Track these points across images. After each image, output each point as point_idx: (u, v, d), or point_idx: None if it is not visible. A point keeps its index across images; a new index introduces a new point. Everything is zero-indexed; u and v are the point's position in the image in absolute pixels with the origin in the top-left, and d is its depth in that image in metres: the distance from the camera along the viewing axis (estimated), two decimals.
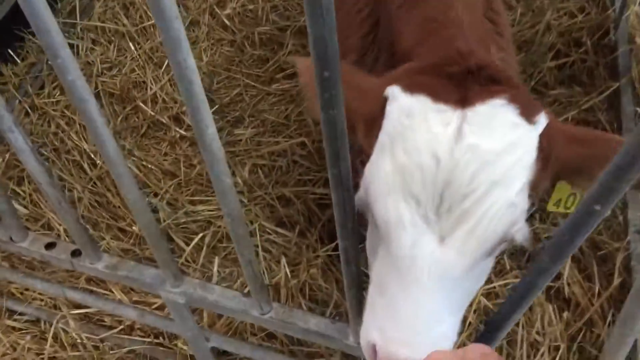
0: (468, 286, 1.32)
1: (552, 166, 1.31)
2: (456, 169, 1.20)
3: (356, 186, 1.30)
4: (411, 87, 1.30)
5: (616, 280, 2.26)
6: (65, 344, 2.47)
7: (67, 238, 2.67)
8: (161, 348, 2.38)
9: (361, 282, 1.48)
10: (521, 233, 1.27)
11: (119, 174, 1.46)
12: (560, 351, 2.19)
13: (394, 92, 1.32)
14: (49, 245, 1.94)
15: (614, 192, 0.90)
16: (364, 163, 1.38)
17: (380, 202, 1.27)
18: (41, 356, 2.48)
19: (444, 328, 1.28)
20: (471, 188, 1.19)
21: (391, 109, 1.31)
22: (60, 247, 1.93)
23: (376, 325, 1.31)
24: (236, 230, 1.48)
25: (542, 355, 2.20)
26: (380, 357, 1.27)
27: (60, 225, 2.72)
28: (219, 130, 3.35)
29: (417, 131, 1.24)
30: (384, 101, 1.33)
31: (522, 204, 1.26)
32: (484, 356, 1.01)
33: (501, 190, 1.21)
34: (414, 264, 1.23)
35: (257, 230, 2.81)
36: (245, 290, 1.79)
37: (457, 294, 1.29)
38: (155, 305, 2.41)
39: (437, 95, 1.27)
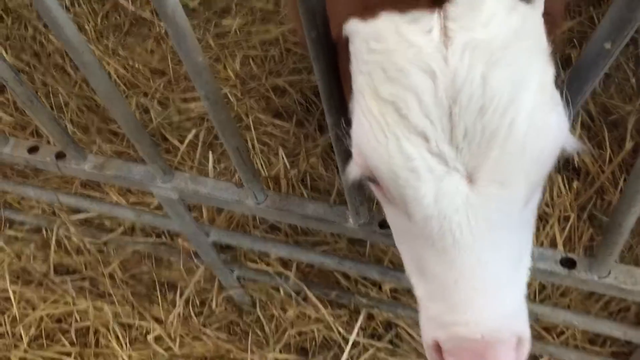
0: (524, 225, 1.04)
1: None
2: (458, 78, 0.90)
3: None
4: (368, 12, 0.99)
5: (628, 145, 2.16)
6: (70, 250, 2.46)
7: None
8: (164, 246, 2.35)
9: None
10: (570, 139, 0.98)
11: (84, 62, 1.34)
12: (570, 221, 2.13)
13: (352, 27, 1.01)
14: (32, 150, 1.86)
15: (626, 25, 0.78)
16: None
17: (380, 159, 0.98)
18: (47, 263, 2.48)
19: (515, 293, 1.04)
20: (486, 96, 0.90)
21: (356, 45, 1.01)
22: (44, 150, 1.85)
23: (430, 318, 1.07)
24: (217, 116, 1.38)
25: (551, 227, 2.15)
26: (447, 350, 1.04)
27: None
28: (205, 22, 3.18)
29: (396, 52, 0.94)
30: (345, 43, 1.04)
31: (554, 98, 0.96)
32: None
33: (524, 88, 0.91)
34: (445, 222, 0.97)
35: (252, 123, 2.71)
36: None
37: (513, 241, 1.02)
38: (154, 205, 2.36)
39: (401, 5, 0.96)
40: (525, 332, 1.04)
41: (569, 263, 1.45)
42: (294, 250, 1.94)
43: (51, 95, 2.82)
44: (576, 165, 2.27)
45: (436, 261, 1.01)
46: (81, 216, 2.40)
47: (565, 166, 2.30)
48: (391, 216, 1.17)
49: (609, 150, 2.24)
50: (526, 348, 1.05)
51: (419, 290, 1.11)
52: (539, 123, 0.92)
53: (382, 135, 0.96)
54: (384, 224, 1.58)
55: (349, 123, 1.05)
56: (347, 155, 1.33)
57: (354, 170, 1.09)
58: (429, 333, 1.08)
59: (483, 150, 0.91)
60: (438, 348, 1.06)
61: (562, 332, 2.08)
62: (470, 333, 0.99)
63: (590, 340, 2.05)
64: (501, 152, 0.90)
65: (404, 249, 1.17)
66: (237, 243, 2.02)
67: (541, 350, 1.98)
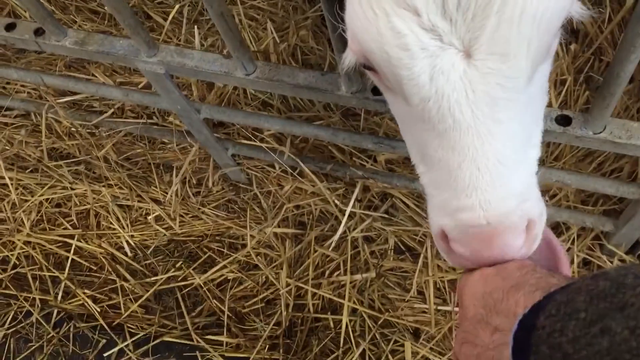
0: (530, 101, 0.97)
1: None
2: None
3: None
4: None
5: (629, 1, 2.07)
6: (61, 134, 2.44)
7: None
8: (156, 127, 2.33)
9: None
10: (575, 5, 0.90)
11: None
12: (567, 84, 2.10)
13: None
14: (9, 27, 1.78)
15: None
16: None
17: (371, 40, 0.91)
18: (40, 148, 2.47)
19: (523, 172, 0.98)
20: None
21: None
22: (22, 27, 1.77)
23: (436, 206, 1.03)
24: None
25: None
26: (453, 238, 1.00)
27: (25, 11, 2.52)
28: None
29: None
30: None
31: None
32: (520, 267, 0.95)
33: None
34: (444, 101, 0.90)
35: None
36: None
37: (518, 118, 0.95)
38: (142, 85, 2.31)
39: None
40: (535, 213, 0.99)
41: (564, 120, 1.43)
42: (287, 123, 1.92)
43: None
44: (574, 26, 2.20)
45: (438, 145, 0.96)
46: (68, 99, 2.36)
47: (564, 28, 2.22)
48: (393, 104, 1.10)
49: (608, 8, 2.15)
50: (538, 230, 1.00)
51: (424, 179, 1.07)
52: None
53: (371, 12, 0.88)
54: (377, 91, 1.54)
55: (343, 8, 0.97)
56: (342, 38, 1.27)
57: (349, 57, 1.03)
58: (435, 221, 1.04)
59: (479, 20, 0.83)
60: (445, 236, 1.02)
61: (555, 195, 2.11)
62: (476, 218, 0.94)
63: (583, 201, 2.08)
64: (499, 20, 0.82)
65: (408, 138, 1.11)
66: (229, 119, 2.00)
67: None
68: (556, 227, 2.12)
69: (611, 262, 2.03)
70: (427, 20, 0.85)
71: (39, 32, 1.77)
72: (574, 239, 2.07)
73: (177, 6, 2.46)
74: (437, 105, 0.91)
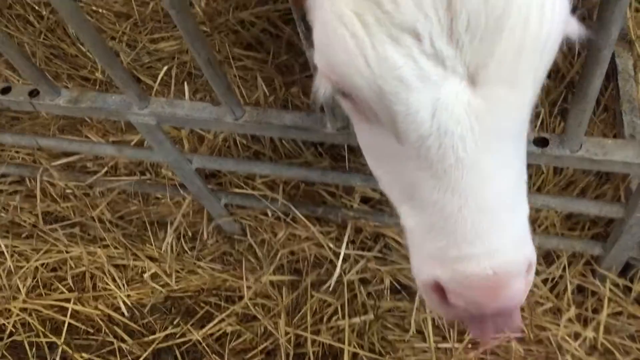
0: (524, 131, 0.91)
1: None
2: None
3: None
4: None
5: None
6: (56, 197, 2.48)
7: None
8: (149, 182, 2.37)
9: None
10: (571, 23, 0.86)
11: None
12: (541, 116, 2.18)
13: None
14: (5, 91, 1.85)
15: None
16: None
17: (357, 72, 0.80)
18: (35, 213, 2.50)
19: (521, 213, 0.93)
20: None
21: None
22: (17, 90, 1.84)
23: (426, 255, 0.93)
24: (185, 26, 1.38)
25: None
26: (451, 291, 0.91)
27: (18, 80, 2.61)
28: None
29: None
30: None
31: None
32: None
33: None
34: (446, 138, 0.81)
35: (227, 57, 2.70)
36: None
37: (518, 152, 0.90)
38: (134, 142, 2.37)
39: None
40: (534, 254, 0.93)
41: (541, 142, 1.49)
42: (277, 167, 1.98)
43: (17, 46, 2.78)
44: None
45: (434, 186, 0.86)
46: (63, 161, 2.41)
47: None
48: (367, 136, 0.99)
49: (577, 46, 2.26)
50: (533, 270, 0.94)
51: (410, 222, 0.96)
52: (546, 3, 0.78)
53: (357, 41, 0.78)
54: None
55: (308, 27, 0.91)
56: None
57: (322, 87, 0.92)
58: (426, 272, 0.94)
59: (488, 44, 0.76)
60: (438, 288, 0.93)
61: (541, 224, 2.16)
62: (480, 269, 0.86)
63: (570, 228, 2.13)
64: (509, 44, 0.76)
65: (386, 174, 1.02)
66: (221, 167, 2.05)
67: None
68: (546, 256, 2.15)
69: (604, 287, 2.05)
70: (429, 45, 0.77)
71: (33, 93, 1.83)
72: (565, 266, 2.10)
73: (165, 67, 2.56)
74: (437, 142, 0.82)
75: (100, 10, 2.94)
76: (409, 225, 0.97)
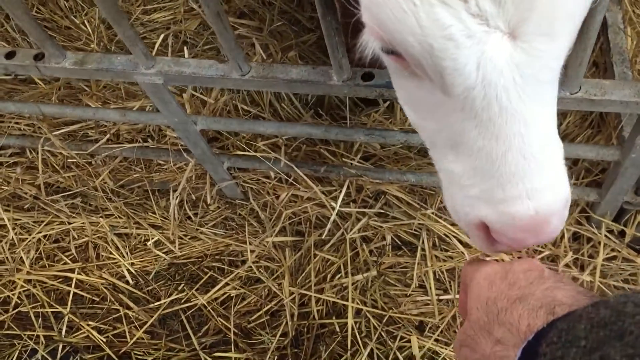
0: (558, 73, 0.96)
1: None
2: None
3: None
4: None
5: None
6: (57, 167, 2.49)
7: None
8: (152, 149, 2.40)
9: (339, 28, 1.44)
10: None
11: None
12: None
13: None
14: (9, 55, 1.87)
15: None
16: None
17: (409, 32, 0.86)
18: (37, 184, 2.51)
19: (558, 154, 0.98)
20: None
21: None
22: (22, 54, 1.86)
23: (471, 196, 1.01)
24: None
25: None
26: (500, 230, 0.99)
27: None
28: None
29: None
30: None
31: None
32: (527, 272, 0.98)
33: None
34: (490, 89, 0.88)
35: None
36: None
37: (554, 97, 0.96)
38: (135, 108, 2.39)
39: None
40: (569, 191, 1.00)
41: None
42: (281, 125, 2.01)
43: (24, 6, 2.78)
44: None
45: (478, 134, 0.93)
46: (64, 130, 2.42)
47: None
48: (411, 89, 1.05)
49: None
50: (569, 204, 1.01)
51: (455, 167, 1.03)
52: None
53: (409, 3, 0.83)
54: (366, 77, 1.65)
55: None
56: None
57: (370, 42, 0.98)
58: (472, 212, 1.01)
59: (527, 0, 0.81)
60: (483, 227, 1.02)
61: None
62: (524, 209, 0.93)
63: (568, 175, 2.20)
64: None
65: (430, 125, 1.08)
66: (225, 127, 2.08)
67: None
68: None
69: (599, 233, 2.13)
70: (474, 5, 0.82)
71: (38, 57, 1.85)
72: None
73: (162, 36, 2.57)
74: (482, 93, 0.89)
75: None
76: (453, 170, 1.04)
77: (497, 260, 1.21)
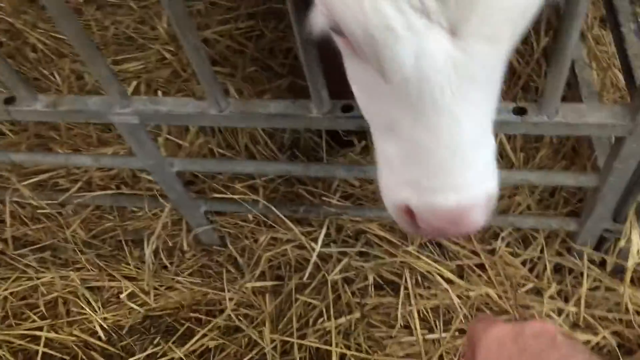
0: (498, 81, 0.99)
1: None
2: None
3: None
4: None
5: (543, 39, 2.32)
6: (26, 220, 2.41)
7: None
8: (126, 194, 2.34)
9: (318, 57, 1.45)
10: None
11: None
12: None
13: None
14: None
15: None
16: None
17: (353, 18, 0.88)
18: (4, 238, 2.42)
19: (487, 152, 1.03)
20: None
21: None
22: None
23: (399, 181, 1.06)
24: (174, 10, 1.41)
25: None
26: (421, 216, 1.04)
27: None
28: None
29: None
30: None
31: None
32: (539, 337, 0.94)
33: None
34: (425, 84, 0.90)
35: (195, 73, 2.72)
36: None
37: (490, 100, 0.98)
38: (109, 153, 2.35)
39: None
40: (495, 190, 1.05)
41: (520, 111, 1.57)
42: (260, 164, 1.99)
43: None
44: None
45: (412, 124, 0.96)
46: (34, 180, 2.35)
47: None
48: (357, 70, 1.08)
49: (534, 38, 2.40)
50: (493, 201, 1.06)
51: (388, 149, 1.07)
52: None
53: None
54: (346, 109, 1.65)
55: None
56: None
57: (319, 20, 1.00)
58: (398, 194, 1.07)
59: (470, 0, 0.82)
60: (408, 211, 1.06)
61: (516, 209, 2.24)
62: (445, 201, 0.99)
63: (545, 207, 2.21)
64: (490, 1, 0.82)
65: (371, 108, 1.12)
66: (202, 168, 2.05)
67: (503, 223, 2.12)
68: (524, 239, 2.23)
69: (581, 264, 2.13)
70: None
71: (9, 101, 1.80)
72: (542, 247, 2.18)
73: (134, 82, 2.56)
74: (417, 87, 0.91)
75: (60, 35, 2.93)
76: (387, 152, 1.08)
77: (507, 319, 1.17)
